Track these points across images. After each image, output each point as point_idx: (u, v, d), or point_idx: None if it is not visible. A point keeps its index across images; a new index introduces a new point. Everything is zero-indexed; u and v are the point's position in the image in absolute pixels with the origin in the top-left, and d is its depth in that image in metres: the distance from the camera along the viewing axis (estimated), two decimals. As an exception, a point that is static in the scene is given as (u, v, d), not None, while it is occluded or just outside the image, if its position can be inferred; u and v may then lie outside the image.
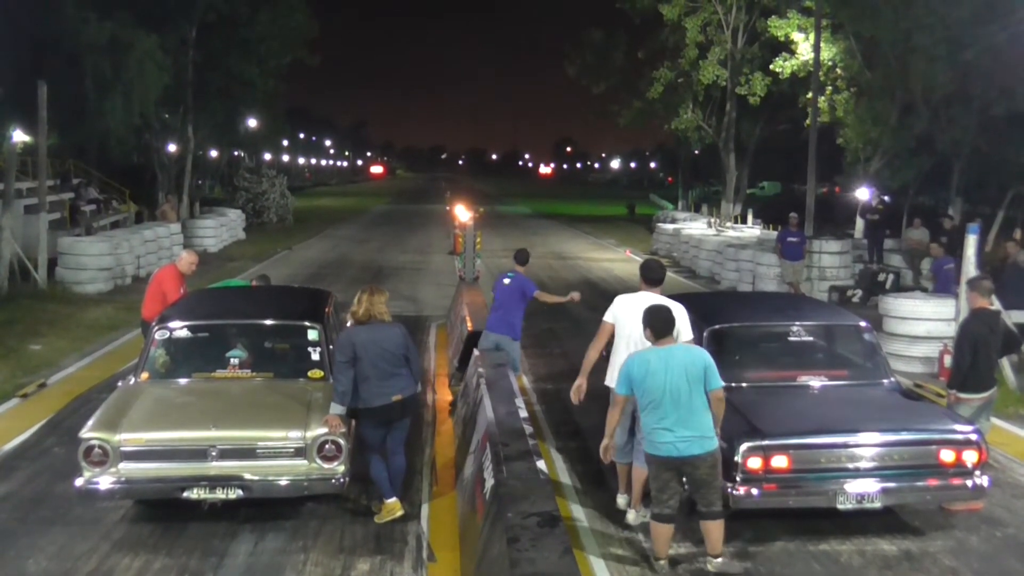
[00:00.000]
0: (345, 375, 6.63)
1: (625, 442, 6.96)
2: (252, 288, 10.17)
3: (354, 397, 6.69)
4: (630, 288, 7.42)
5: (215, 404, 7.03)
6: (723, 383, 6.02)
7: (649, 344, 6.35)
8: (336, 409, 6.61)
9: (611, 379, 6.83)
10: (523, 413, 7.46)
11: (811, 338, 8.08)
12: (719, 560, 6.07)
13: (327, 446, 6.60)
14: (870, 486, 6.44)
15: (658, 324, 6.12)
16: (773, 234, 22.11)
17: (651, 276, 6.98)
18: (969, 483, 6.57)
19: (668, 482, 6.00)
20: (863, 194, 20.29)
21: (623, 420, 6.87)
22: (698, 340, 7.54)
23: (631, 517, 6.93)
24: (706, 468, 5.92)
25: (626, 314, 6.82)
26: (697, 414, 5.89)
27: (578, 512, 7.17)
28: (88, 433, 6.52)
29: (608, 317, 6.95)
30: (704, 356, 6.05)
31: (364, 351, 6.66)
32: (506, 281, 9.60)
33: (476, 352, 9.36)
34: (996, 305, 8.13)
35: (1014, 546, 6.68)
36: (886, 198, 21.75)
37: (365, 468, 6.91)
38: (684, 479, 6.06)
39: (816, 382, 7.49)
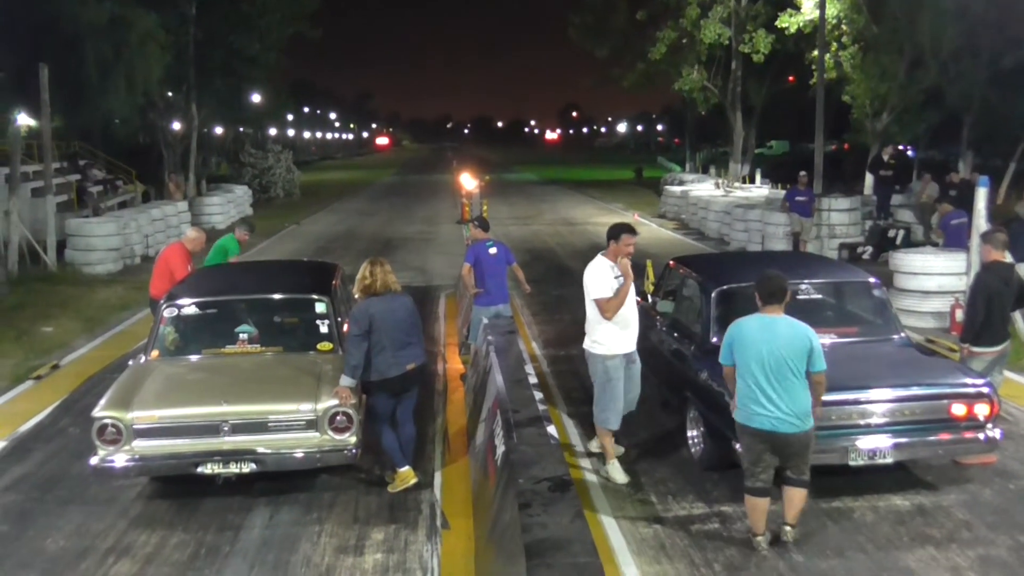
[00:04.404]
0: (359, 348, 6.63)
1: None
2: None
3: (367, 369, 6.70)
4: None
5: (226, 379, 7.06)
6: (826, 366, 5.65)
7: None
8: (346, 381, 6.62)
9: (588, 343, 7.13)
10: (533, 379, 7.48)
11: (821, 296, 8.06)
12: (794, 530, 5.94)
13: (338, 418, 6.63)
14: (882, 442, 6.44)
15: (764, 290, 5.82)
16: (782, 193, 21.95)
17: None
18: (981, 436, 6.55)
19: (761, 454, 5.76)
20: (886, 153, 20.08)
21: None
22: (707, 301, 7.57)
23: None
24: (799, 446, 5.70)
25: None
26: (796, 393, 5.59)
27: (589, 476, 7.20)
28: (101, 412, 6.57)
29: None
30: (810, 334, 5.64)
31: (381, 322, 6.68)
32: (493, 251, 9.68)
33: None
34: (1009, 258, 8.04)
35: (1028, 498, 6.66)
36: (902, 148, 21.47)
37: (376, 439, 6.94)
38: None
39: (827, 339, 7.39)
